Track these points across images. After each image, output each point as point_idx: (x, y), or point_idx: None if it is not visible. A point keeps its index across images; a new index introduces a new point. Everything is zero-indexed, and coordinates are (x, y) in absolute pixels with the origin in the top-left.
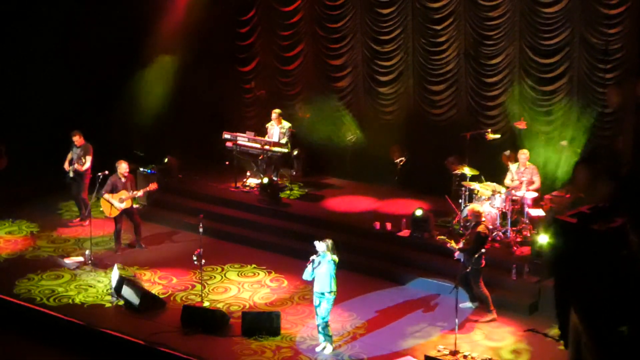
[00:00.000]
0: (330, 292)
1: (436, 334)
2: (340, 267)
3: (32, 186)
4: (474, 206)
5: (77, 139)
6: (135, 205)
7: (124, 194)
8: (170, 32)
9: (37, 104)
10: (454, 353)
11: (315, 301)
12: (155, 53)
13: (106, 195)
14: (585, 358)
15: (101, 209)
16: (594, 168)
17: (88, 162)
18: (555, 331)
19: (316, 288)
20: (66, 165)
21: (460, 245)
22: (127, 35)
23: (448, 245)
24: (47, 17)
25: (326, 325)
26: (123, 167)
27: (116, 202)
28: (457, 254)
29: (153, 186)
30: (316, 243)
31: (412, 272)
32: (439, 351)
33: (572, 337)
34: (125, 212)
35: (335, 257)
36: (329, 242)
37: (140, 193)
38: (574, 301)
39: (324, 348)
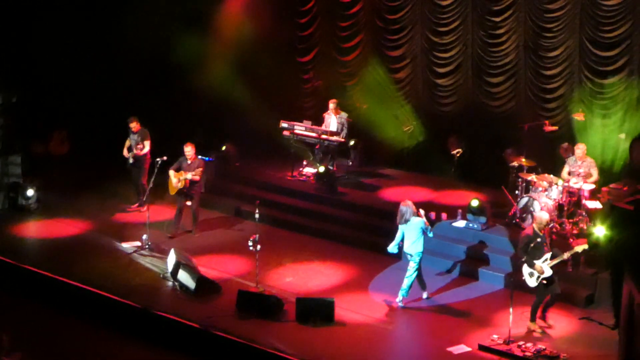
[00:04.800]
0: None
1: (490, 324)
2: (395, 256)
3: (92, 171)
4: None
5: (134, 125)
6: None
7: (182, 174)
8: (232, 20)
9: (99, 91)
10: (508, 342)
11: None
12: (216, 42)
13: (170, 172)
14: (637, 317)
15: (159, 194)
16: None
17: (147, 146)
18: (611, 323)
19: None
20: (125, 152)
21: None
22: (189, 23)
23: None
24: (111, 9)
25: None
26: (186, 149)
27: (174, 179)
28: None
29: (196, 175)
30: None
31: (466, 262)
32: (492, 340)
33: (625, 303)
34: (185, 195)
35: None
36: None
37: (188, 177)
38: (631, 272)
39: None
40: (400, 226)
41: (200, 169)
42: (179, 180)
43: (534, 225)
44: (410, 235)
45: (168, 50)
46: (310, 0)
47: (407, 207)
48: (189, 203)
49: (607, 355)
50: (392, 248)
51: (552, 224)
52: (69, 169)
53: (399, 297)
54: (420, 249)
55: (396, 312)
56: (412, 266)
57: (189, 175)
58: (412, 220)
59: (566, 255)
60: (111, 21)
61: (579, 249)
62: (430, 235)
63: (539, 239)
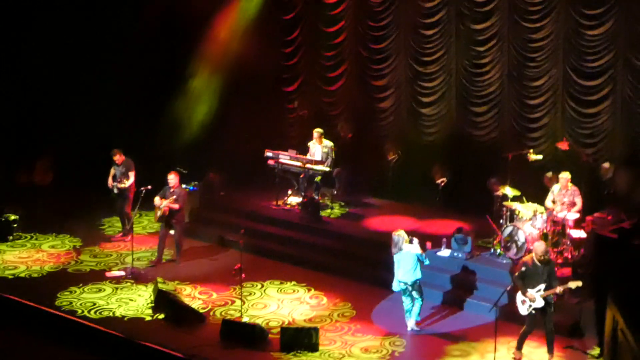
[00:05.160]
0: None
1: (475, 353)
2: (379, 285)
3: (76, 201)
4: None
5: (118, 158)
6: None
7: (164, 202)
8: (216, 50)
9: (83, 120)
10: None
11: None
12: (201, 70)
13: (155, 199)
14: (620, 342)
15: (143, 223)
16: (634, 171)
17: (131, 177)
18: (595, 352)
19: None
20: (109, 181)
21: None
22: (174, 52)
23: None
24: (93, 37)
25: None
26: (169, 177)
27: (157, 203)
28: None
29: (173, 204)
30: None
31: (451, 291)
32: None
33: (608, 329)
34: (167, 223)
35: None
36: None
37: (164, 204)
38: (614, 299)
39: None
40: (395, 256)
41: (174, 197)
42: (158, 208)
43: (533, 255)
44: (406, 264)
45: (153, 78)
46: (295, 30)
47: (398, 236)
48: (172, 232)
49: None
50: (396, 285)
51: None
52: (52, 198)
53: (412, 322)
54: (419, 275)
55: (381, 342)
56: (417, 294)
57: (165, 203)
58: (405, 249)
59: (559, 290)
60: (95, 50)
61: (572, 285)
62: (427, 262)
63: (535, 269)
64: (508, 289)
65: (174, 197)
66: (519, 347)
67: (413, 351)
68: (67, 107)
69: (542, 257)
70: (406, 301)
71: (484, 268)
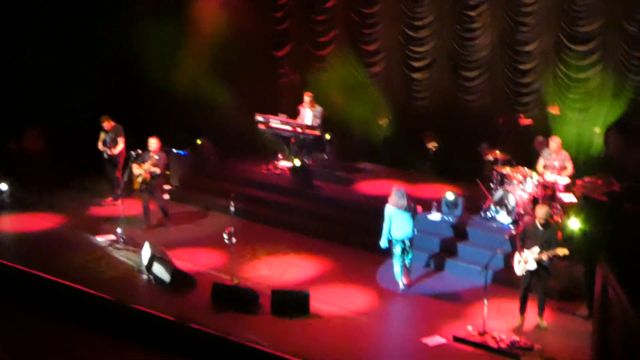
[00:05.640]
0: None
1: (465, 315)
2: (369, 250)
3: (66, 166)
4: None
5: (107, 124)
6: (167, 188)
7: (145, 165)
8: (207, 14)
9: (73, 86)
10: (483, 334)
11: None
12: (192, 35)
13: (133, 165)
14: (610, 299)
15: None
16: (626, 133)
17: (121, 143)
18: (584, 312)
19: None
20: (100, 146)
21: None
22: (164, 17)
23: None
24: (82, 4)
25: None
26: (149, 141)
27: (136, 171)
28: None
29: (155, 168)
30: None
31: (441, 255)
32: (467, 332)
33: (599, 285)
34: (147, 189)
35: None
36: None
37: (145, 167)
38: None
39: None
40: (392, 212)
41: (155, 161)
42: (139, 174)
43: (536, 218)
44: (403, 220)
45: (143, 44)
46: None
47: (402, 192)
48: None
49: (581, 346)
50: (384, 242)
51: (526, 217)
52: (43, 164)
53: (406, 277)
54: (414, 230)
55: (371, 304)
56: (409, 249)
57: (147, 166)
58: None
59: (544, 257)
60: (85, 16)
61: (560, 252)
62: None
63: (535, 231)
64: (498, 252)
65: (155, 160)
66: (521, 311)
67: (404, 313)
68: (58, 74)
69: (543, 221)
70: (397, 262)
71: (475, 231)
